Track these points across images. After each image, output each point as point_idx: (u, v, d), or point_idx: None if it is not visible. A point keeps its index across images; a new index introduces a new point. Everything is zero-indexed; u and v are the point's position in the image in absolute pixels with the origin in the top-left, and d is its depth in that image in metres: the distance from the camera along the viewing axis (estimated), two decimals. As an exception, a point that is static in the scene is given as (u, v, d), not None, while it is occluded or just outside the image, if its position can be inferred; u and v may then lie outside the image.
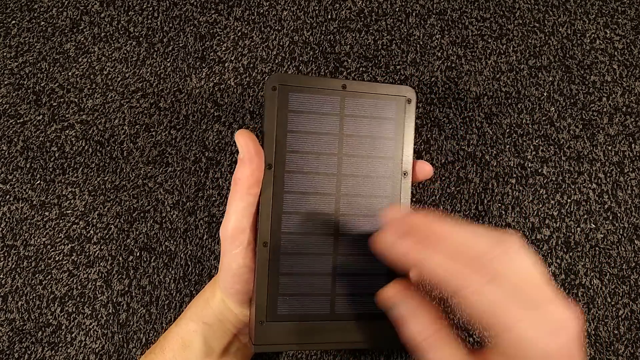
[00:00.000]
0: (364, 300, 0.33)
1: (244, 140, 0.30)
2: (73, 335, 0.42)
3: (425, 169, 0.34)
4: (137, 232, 0.43)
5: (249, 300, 0.33)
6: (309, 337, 0.32)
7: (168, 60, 0.45)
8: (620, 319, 0.43)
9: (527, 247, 0.25)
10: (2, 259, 0.43)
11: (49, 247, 0.43)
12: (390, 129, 0.33)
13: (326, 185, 0.32)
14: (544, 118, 0.45)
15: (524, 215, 0.44)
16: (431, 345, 0.26)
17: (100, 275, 0.43)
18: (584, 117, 0.45)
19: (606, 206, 0.44)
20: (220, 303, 0.34)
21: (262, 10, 0.47)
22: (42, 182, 0.44)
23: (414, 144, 0.36)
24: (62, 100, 0.45)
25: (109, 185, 0.44)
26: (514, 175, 0.44)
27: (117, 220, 0.43)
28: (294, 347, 0.32)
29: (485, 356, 0.25)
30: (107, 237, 0.43)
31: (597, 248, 0.44)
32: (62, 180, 0.44)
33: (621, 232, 0.44)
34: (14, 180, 0.44)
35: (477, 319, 0.24)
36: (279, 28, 0.46)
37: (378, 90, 0.32)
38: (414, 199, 0.44)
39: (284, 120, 0.31)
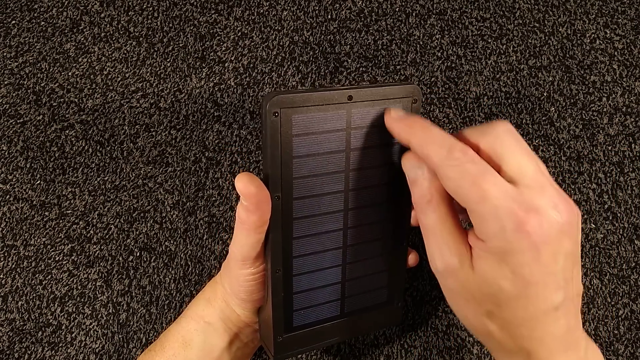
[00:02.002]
0: (370, 295, 0.34)
1: (245, 189, 0.27)
2: (73, 335, 0.42)
3: None
4: (137, 232, 0.43)
5: (253, 306, 0.33)
6: (323, 337, 0.34)
7: (168, 60, 0.45)
8: (620, 319, 0.43)
9: (516, 133, 0.27)
10: (2, 259, 0.43)
11: (49, 247, 0.43)
12: None
13: (335, 204, 0.31)
14: (544, 118, 0.45)
15: (524, 215, 0.44)
16: (425, 208, 0.27)
17: (100, 275, 0.43)
18: (584, 117, 0.45)
19: (606, 206, 0.44)
20: (222, 303, 0.34)
21: (262, 10, 0.47)
22: (42, 182, 0.44)
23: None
24: (62, 100, 0.45)
25: (109, 185, 0.44)
26: (514, 175, 0.44)
27: (117, 220, 0.43)
28: (311, 349, 0.34)
29: (470, 234, 0.26)
30: (107, 237, 0.43)
31: (597, 248, 0.44)
32: (62, 180, 0.44)
33: (621, 232, 0.44)
34: (14, 180, 0.44)
35: (456, 193, 0.25)
36: (279, 28, 0.46)
37: (384, 94, 0.30)
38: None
39: (288, 146, 0.28)
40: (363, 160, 0.31)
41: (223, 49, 0.46)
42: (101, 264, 0.43)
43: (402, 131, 0.29)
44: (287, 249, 0.30)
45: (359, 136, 0.30)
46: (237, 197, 0.43)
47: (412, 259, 0.35)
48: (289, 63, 0.46)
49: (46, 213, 0.43)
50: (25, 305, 0.42)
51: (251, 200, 0.27)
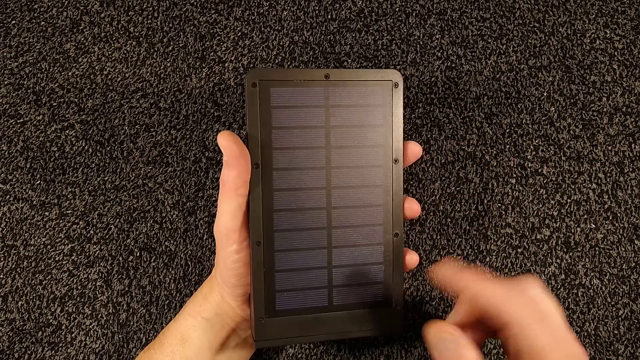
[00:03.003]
0: (361, 289, 0.33)
1: (226, 143, 0.29)
2: (73, 335, 0.42)
3: (415, 150, 0.34)
4: (137, 232, 0.43)
5: (244, 294, 0.33)
6: (309, 330, 0.33)
7: (168, 60, 0.45)
8: (620, 319, 0.43)
9: (546, 290, 0.28)
10: (2, 259, 0.43)
11: (49, 247, 0.43)
12: (379, 116, 0.32)
13: (316, 180, 0.31)
14: (544, 118, 0.45)
15: (524, 215, 0.44)
16: None
17: (100, 275, 0.43)
18: (584, 117, 0.45)
19: (606, 206, 0.44)
20: (218, 298, 0.34)
21: (262, 10, 0.47)
22: (42, 182, 0.44)
23: (404, 129, 0.35)
24: (62, 100, 0.45)
25: (109, 185, 0.44)
26: (514, 175, 0.44)
27: (117, 220, 0.43)
28: (295, 341, 0.33)
29: None
30: (107, 237, 0.43)
31: (597, 248, 0.44)
32: (62, 180, 0.44)
33: (621, 232, 0.44)
34: (14, 180, 0.44)
35: (524, 353, 0.26)
36: (279, 28, 0.46)
37: (363, 76, 0.31)
38: (413, 196, 0.44)
39: (267, 117, 0.30)
40: (344, 139, 0.31)
41: (223, 49, 0.46)
42: (101, 264, 0.43)
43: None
44: (268, 220, 0.31)
45: (338, 115, 0.31)
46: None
47: (411, 260, 0.34)
48: (289, 63, 0.46)
49: (46, 213, 0.43)
50: (25, 305, 0.42)
51: (231, 153, 0.28)
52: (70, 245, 0.43)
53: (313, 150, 0.31)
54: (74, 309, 0.42)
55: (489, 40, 0.47)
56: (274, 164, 0.30)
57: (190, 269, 0.43)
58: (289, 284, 0.32)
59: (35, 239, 0.43)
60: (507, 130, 0.45)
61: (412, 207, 0.34)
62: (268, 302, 0.32)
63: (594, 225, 0.44)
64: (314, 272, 0.32)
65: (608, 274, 0.43)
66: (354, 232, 0.33)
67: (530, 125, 0.45)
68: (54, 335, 0.42)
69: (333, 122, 0.31)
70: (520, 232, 0.44)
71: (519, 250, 0.44)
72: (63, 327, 0.42)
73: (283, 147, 0.30)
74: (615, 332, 0.42)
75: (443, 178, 0.44)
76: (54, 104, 0.45)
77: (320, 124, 0.31)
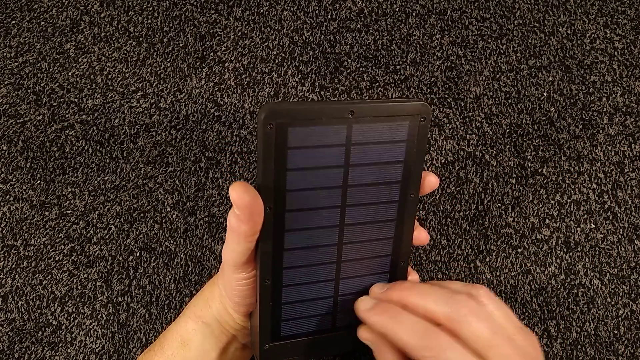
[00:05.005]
0: None
1: (239, 199, 0.26)
2: (73, 335, 0.42)
3: (432, 181, 0.32)
4: (137, 232, 0.43)
5: (247, 311, 0.33)
6: (312, 349, 0.33)
7: (168, 60, 0.45)
8: (620, 319, 0.43)
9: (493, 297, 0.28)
10: (2, 259, 0.43)
11: (49, 247, 0.43)
12: (401, 152, 0.30)
13: (330, 219, 0.30)
14: (544, 118, 0.45)
15: (524, 215, 0.44)
16: None
17: (100, 275, 0.43)
18: (584, 117, 0.45)
19: (606, 206, 0.44)
20: (219, 304, 0.34)
21: (262, 10, 0.47)
22: (42, 182, 0.44)
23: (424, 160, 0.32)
24: (62, 100, 0.45)
25: (109, 185, 0.44)
26: (514, 175, 0.44)
27: (117, 220, 0.43)
28: (298, 359, 0.33)
29: None
30: (107, 237, 0.43)
31: (597, 248, 0.44)
32: (62, 180, 0.44)
33: (621, 232, 0.44)
34: (14, 180, 0.44)
35: None
36: (279, 28, 0.46)
37: (390, 111, 0.28)
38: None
39: (282, 158, 0.27)
40: (363, 177, 0.29)
41: (223, 49, 0.46)
42: (101, 264, 0.43)
43: (374, 323, 0.30)
44: (277, 259, 0.30)
45: (360, 152, 0.29)
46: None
47: (411, 280, 0.35)
48: (289, 63, 0.46)
49: (46, 213, 0.43)
50: (25, 305, 0.42)
51: (244, 211, 0.27)
52: (70, 245, 0.43)
53: (329, 190, 0.29)
54: (74, 309, 0.42)
55: (489, 40, 0.47)
56: (287, 206, 0.28)
57: (190, 269, 0.43)
58: (294, 314, 0.32)
59: (35, 239, 0.43)
60: (507, 130, 0.45)
61: (420, 237, 0.34)
62: (273, 330, 0.31)
63: (594, 225, 0.44)
64: (321, 301, 0.32)
65: (608, 274, 0.43)
66: (363, 264, 0.32)
67: (530, 125, 0.45)
68: (54, 335, 0.42)
69: (353, 161, 0.29)
70: (520, 232, 0.44)
71: (519, 250, 0.44)
72: (63, 327, 0.42)
73: (297, 188, 0.28)
74: (615, 332, 0.42)
75: (443, 178, 0.44)
76: (54, 104, 0.45)
77: (340, 163, 0.29)
